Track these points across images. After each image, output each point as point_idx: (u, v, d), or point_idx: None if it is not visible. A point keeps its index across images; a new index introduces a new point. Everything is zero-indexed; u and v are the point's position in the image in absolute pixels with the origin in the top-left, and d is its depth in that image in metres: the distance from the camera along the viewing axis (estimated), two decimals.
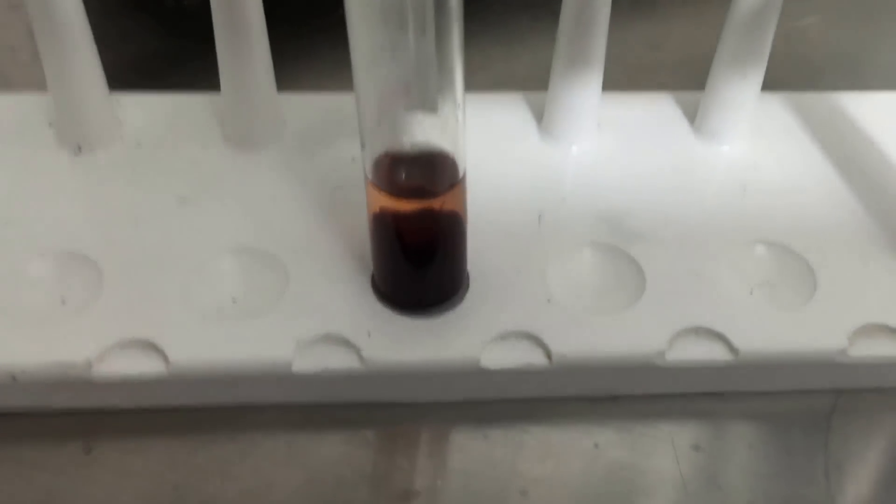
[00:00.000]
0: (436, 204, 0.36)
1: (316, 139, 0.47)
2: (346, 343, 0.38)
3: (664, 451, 0.39)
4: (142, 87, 0.48)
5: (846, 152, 0.48)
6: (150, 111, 0.47)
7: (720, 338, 0.39)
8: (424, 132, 0.34)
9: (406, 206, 0.36)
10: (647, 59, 0.58)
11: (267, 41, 0.43)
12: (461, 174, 0.36)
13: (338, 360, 0.38)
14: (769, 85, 0.46)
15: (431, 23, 0.31)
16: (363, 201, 0.38)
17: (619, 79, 0.48)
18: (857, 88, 0.52)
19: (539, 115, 0.48)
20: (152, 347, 0.37)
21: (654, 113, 0.50)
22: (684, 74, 0.57)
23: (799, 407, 0.40)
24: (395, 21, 0.31)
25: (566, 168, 0.46)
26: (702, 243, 0.43)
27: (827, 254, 0.43)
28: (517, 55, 0.57)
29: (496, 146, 0.46)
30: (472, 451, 0.38)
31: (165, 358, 0.37)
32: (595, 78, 0.45)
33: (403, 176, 0.36)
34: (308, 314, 0.39)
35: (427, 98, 0.33)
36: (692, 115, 0.49)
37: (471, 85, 0.34)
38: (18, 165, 0.44)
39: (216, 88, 0.45)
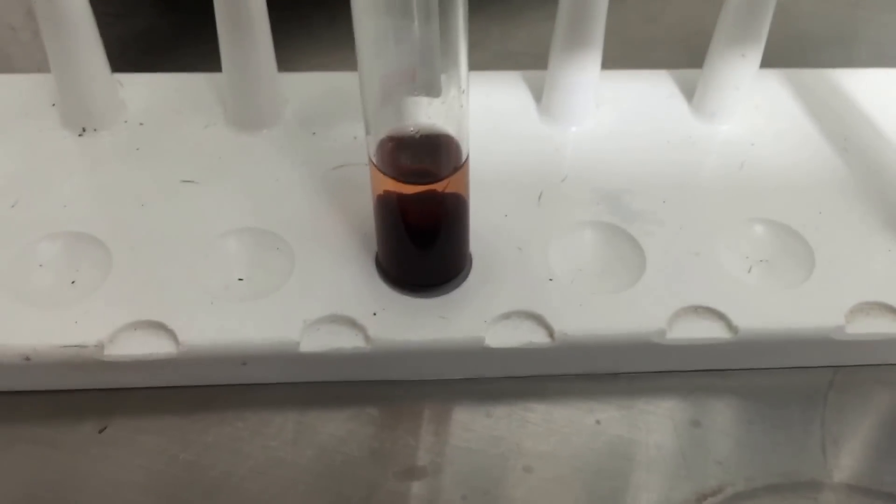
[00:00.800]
0: (439, 187, 0.38)
1: (316, 118, 0.49)
2: (352, 323, 0.40)
3: (664, 426, 0.41)
4: (141, 65, 0.50)
5: (843, 129, 0.51)
6: (152, 91, 0.49)
7: (720, 316, 0.42)
8: (429, 116, 0.37)
9: (410, 189, 0.38)
10: (643, 34, 0.60)
11: (268, 22, 0.45)
12: (465, 157, 0.38)
13: (344, 340, 0.40)
14: (763, 60, 0.49)
15: (436, 9, 0.33)
16: (365, 180, 0.40)
17: (614, 54, 0.50)
18: (850, 63, 0.54)
19: (538, 95, 0.51)
20: (162, 328, 0.39)
21: (653, 91, 0.52)
22: (680, 49, 0.59)
23: (796, 383, 0.43)
24: (399, 8, 0.33)
25: (565, 147, 0.49)
26: (700, 222, 0.45)
27: (824, 231, 0.45)
28: (514, 32, 0.59)
29: (496, 126, 0.49)
30: (477, 428, 0.41)
31: (175, 339, 0.39)
32: (594, 59, 0.47)
33: (407, 159, 0.38)
34: (314, 295, 0.41)
35: (431, 83, 0.36)
36: (690, 92, 0.51)
37: (468, 62, 0.36)
38: (24, 147, 0.46)
39: (213, 65, 0.47)
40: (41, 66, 0.50)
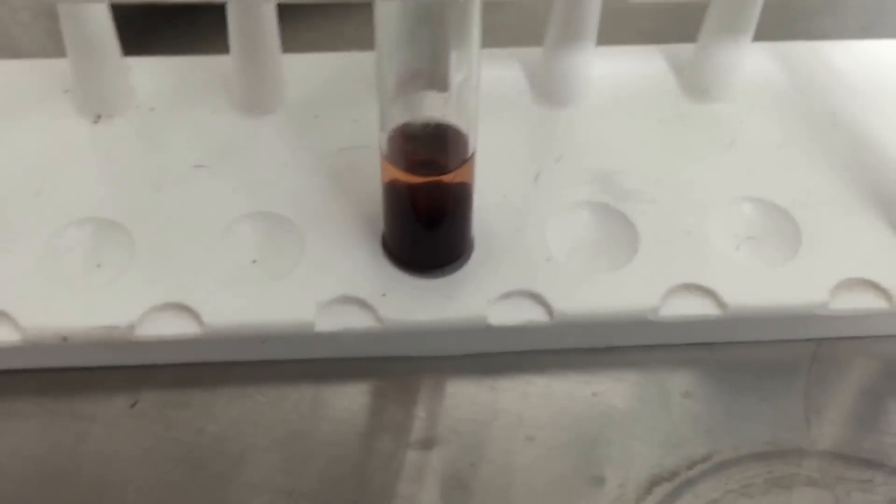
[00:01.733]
0: (447, 178, 0.44)
1: (318, 102, 0.55)
2: (362, 304, 0.47)
3: (656, 397, 0.48)
4: (145, 45, 0.56)
5: (832, 105, 0.56)
6: (160, 76, 0.55)
7: (709, 293, 0.48)
8: (439, 111, 0.43)
9: (418, 179, 0.45)
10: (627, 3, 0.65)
11: (275, 6, 0.51)
12: (472, 150, 0.44)
13: (356, 320, 0.47)
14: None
15: (450, 14, 0.39)
16: (368, 163, 0.46)
17: (602, 25, 0.54)
18: (840, 32, 0.60)
19: (532, 74, 0.56)
20: (187, 310, 0.46)
21: (645, 69, 0.58)
22: (665, 19, 0.64)
23: (781, 355, 0.49)
24: (417, 14, 0.39)
25: (560, 128, 0.55)
26: (692, 200, 0.51)
27: (812, 209, 0.51)
28: (504, 7, 0.64)
29: (491, 106, 0.52)
30: (481, 400, 0.47)
31: (199, 320, 0.46)
32: (590, 40, 0.53)
33: (416, 151, 0.44)
34: (326, 277, 0.47)
35: (443, 79, 0.41)
36: (682, 69, 0.57)
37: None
38: (43, 135, 0.52)
39: (208, 45, 0.53)
40: (45, 49, 0.55)
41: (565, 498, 0.45)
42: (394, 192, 0.46)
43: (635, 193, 0.51)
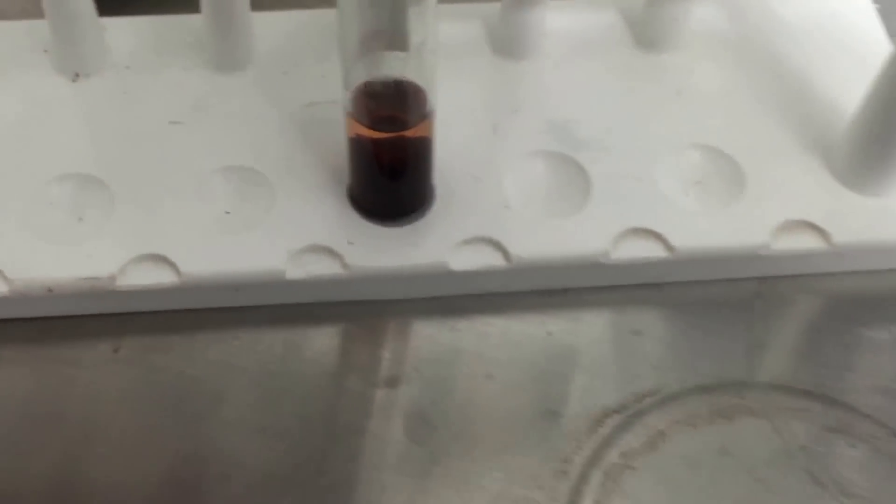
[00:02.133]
0: (408, 133, 0.47)
1: (286, 58, 0.57)
2: (330, 252, 0.50)
3: (609, 336, 0.51)
4: (119, 5, 0.58)
5: (777, 53, 0.59)
6: (134, 35, 0.57)
7: (658, 237, 0.51)
8: (399, 69, 0.46)
9: (381, 135, 0.48)
10: None
11: None
12: (431, 107, 0.47)
13: (325, 268, 0.50)
14: None
15: None
16: (335, 117, 0.49)
17: None
18: None
19: (490, 29, 0.59)
20: (165, 261, 0.49)
21: (598, 21, 0.60)
22: None
23: (726, 294, 0.53)
24: None
25: (517, 80, 0.57)
26: (642, 147, 0.54)
27: (756, 155, 0.54)
28: None
29: (450, 61, 0.55)
30: (443, 341, 0.50)
31: (177, 270, 0.49)
32: None
33: (379, 108, 0.47)
34: (295, 227, 0.50)
35: (403, 39, 0.44)
36: (633, 21, 0.60)
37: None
38: (24, 93, 0.55)
39: (187, 4, 0.55)
40: (26, 10, 0.58)
41: (522, 431, 0.48)
42: (358, 146, 0.49)
43: (589, 142, 0.54)
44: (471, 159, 0.54)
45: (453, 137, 0.53)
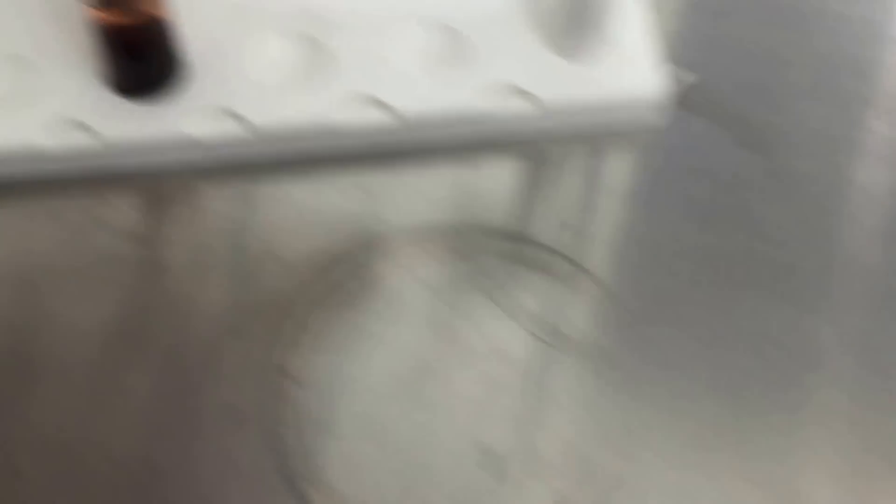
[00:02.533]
0: (137, 11, 0.52)
1: None
2: (84, 127, 0.55)
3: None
4: None
5: None
6: None
7: (385, 106, 0.57)
8: None
9: (112, 17, 0.52)
10: None
11: None
12: None
13: (81, 140, 0.55)
14: None
15: None
16: None
17: None
18: None
19: None
20: None
21: None
22: None
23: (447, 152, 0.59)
24: None
25: None
26: (385, 26, 0.59)
27: (485, 31, 0.58)
28: None
29: None
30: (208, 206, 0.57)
31: None
32: None
33: None
34: (52, 105, 0.56)
35: None
36: None
37: None
38: None
39: None
40: None
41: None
42: (97, 29, 0.53)
43: (335, 21, 0.59)
44: (220, 35, 0.58)
45: (201, 12, 0.57)
